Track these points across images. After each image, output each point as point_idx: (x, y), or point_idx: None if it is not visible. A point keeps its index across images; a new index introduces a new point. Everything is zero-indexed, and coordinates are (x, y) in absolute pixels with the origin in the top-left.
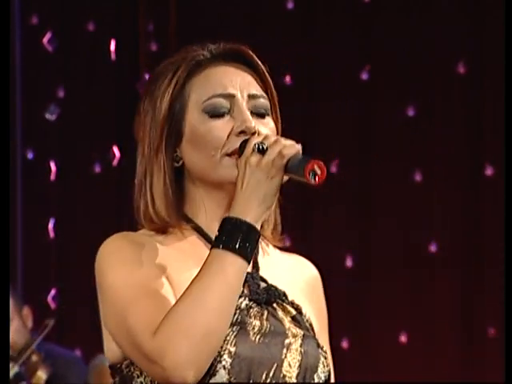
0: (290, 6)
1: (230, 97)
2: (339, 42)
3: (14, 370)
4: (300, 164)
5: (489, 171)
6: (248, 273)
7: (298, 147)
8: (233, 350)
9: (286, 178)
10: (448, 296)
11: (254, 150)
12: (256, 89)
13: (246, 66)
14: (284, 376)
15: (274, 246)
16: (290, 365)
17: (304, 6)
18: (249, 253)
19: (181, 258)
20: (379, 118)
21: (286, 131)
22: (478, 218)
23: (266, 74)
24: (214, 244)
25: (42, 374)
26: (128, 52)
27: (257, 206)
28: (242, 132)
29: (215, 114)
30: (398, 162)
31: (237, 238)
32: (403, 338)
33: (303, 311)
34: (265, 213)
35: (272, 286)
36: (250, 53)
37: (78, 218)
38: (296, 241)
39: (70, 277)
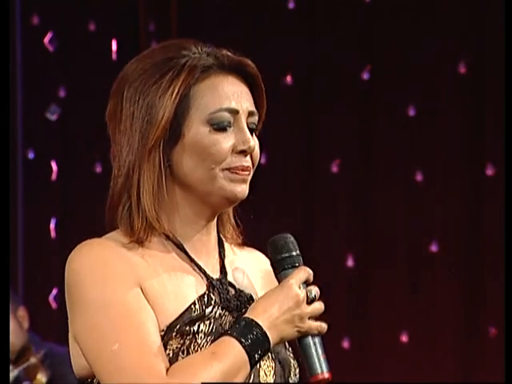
0: (291, 5)
1: (234, 112)
2: (340, 42)
3: (13, 373)
4: (318, 361)
5: (490, 171)
6: (217, 279)
7: (324, 329)
8: None
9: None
10: (449, 296)
11: (308, 292)
12: (253, 105)
13: (247, 80)
14: None
15: (234, 244)
16: (265, 373)
17: (305, 6)
18: (255, 357)
19: (151, 266)
20: (380, 118)
21: (287, 131)
22: (479, 218)
23: (264, 92)
24: (237, 335)
25: (42, 377)
26: (129, 52)
27: (276, 336)
28: (243, 151)
29: (220, 128)
30: (399, 161)
31: (258, 349)
32: (404, 338)
33: None
34: (276, 341)
35: (240, 290)
36: (256, 70)
37: (79, 217)
38: (297, 240)
39: None
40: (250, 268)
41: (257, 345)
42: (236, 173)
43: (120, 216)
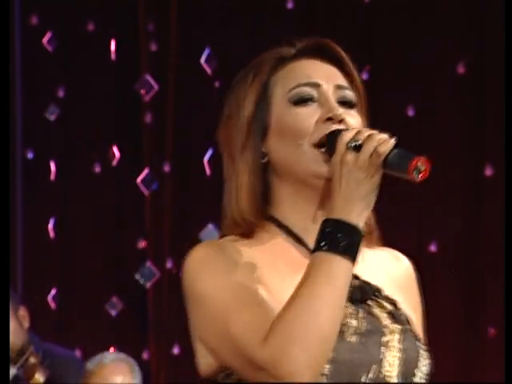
0: (290, 5)
1: (316, 85)
2: (339, 42)
3: (11, 372)
4: (402, 162)
5: (489, 171)
6: None
7: (393, 142)
8: (331, 355)
9: (384, 172)
10: (448, 296)
11: (348, 148)
12: (342, 81)
13: (331, 60)
14: (384, 376)
15: (366, 243)
16: (389, 364)
17: (304, 6)
18: (354, 254)
19: (270, 261)
20: (379, 118)
21: None
22: (479, 218)
23: (352, 67)
24: (316, 247)
25: (39, 377)
26: (128, 52)
27: (358, 206)
28: (329, 119)
29: (300, 101)
30: None
31: (341, 239)
32: None
33: (398, 305)
34: (366, 213)
35: (365, 282)
36: (336, 46)
37: (78, 217)
38: None
39: (70, 277)
40: (383, 264)
41: (335, 236)
42: (322, 152)
43: (228, 219)
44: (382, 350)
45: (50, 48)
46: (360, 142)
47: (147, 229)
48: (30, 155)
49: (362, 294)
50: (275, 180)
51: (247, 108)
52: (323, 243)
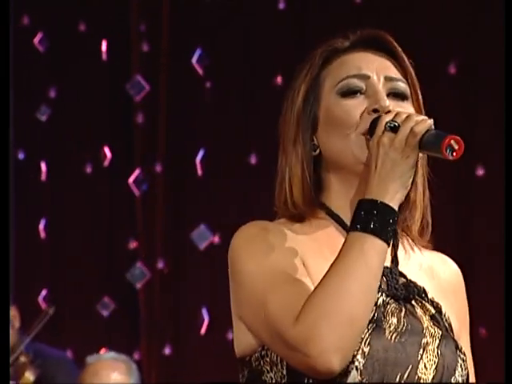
0: (282, 6)
1: (365, 77)
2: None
3: None
4: (436, 140)
5: (480, 171)
6: (386, 267)
7: (430, 122)
8: (367, 349)
9: (421, 154)
10: None
11: (385, 129)
12: (394, 72)
13: (384, 52)
14: (419, 378)
15: (417, 243)
16: (425, 366)
17: (295, 7)
18: (388, 234)
19: (316, 247)
20: None
21: (275, 131)
22: (469, 219)
23: (406, 59)
24: (351, 227)
25: (29, 375)
26: (120, 52)
27: (393, 186)
28: (375, 110)
29: (348, 93)
30: None
31: (375, 219)
32: None
33: (443, 310)
34: (402, 193)
35: (411, 281)
36: (389, 38)
37: (69, 218)
38: None
39: (61, 277)
40: (431, 267)
41: (370, 217)
42: (367, 138)
43: (280, 208)
44: (420, 352)
45: (41, 48)
46: (397, 123)
47: (138, 229)
48: (21, 155)
49: (407, 292)
50: (326, 171)
51: (298, 101)
52: (357, 223)
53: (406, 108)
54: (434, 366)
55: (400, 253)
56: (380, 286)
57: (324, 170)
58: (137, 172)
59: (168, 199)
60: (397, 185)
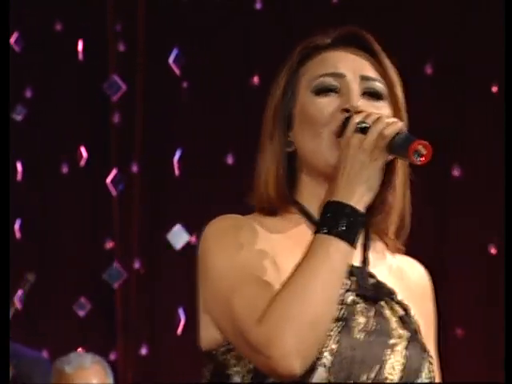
0: (259, 6)
1: (340, 76)
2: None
3: None
4: (403, 144)
5: (456, 172)
6: (357, 267)
7: (400, 125)
8: (335, 347)
9: (390, 157)
10: None
11: (355, 130)
12: (372, 72)
13: (364, 51)
14: (386, 378)
15: (388, 247)
16: (392, 367)
17: (273, 7)
18: (354, 237)
19: (289, 244)
20: None
21: (257, 132)
22: (445, 219)
23: (385, 59)
24: (317, 229)
25: None
26: (96, 52)
27: (360, 189)
28: (346, 110)
29: (322, 91)
30: None
31: (341, 222)
32: None
33: (411, 312)
34: (369, 196)
35: (381, 282)
36: (368, 36)
37: (44, 218)
38: None
39: (37, 278)
40: (400, 269)
41: (335, 219)
42: (338, 137)
43: (256, 201)
44: (388, 353)
45: (17, 48)
46: (367, 125)
47: (115, 229)
48: None
49: (377, 293)
50: (300, 167)
51: (276, 97)
52: (323, 225)
53: (382, 108)
54: (400, 367)
55: (371, 254)
56: (350, 286)
57: (299, 168)
58: (114, 172)
59: (145, 199)
60: (364, 187)
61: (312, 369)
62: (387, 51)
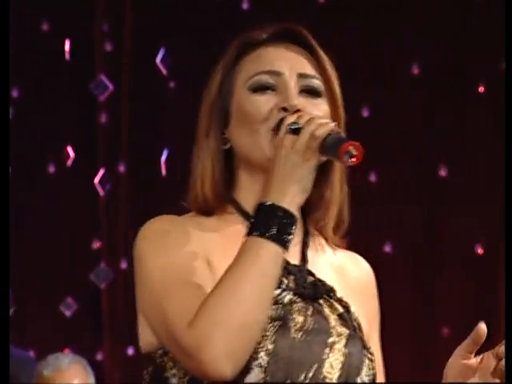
0: (246, 6)
1: (277, 74)
2: None
3: None
4: (335, 145)
5: (443, 172)
6: (295, 265)
7: (332, 126)
8: (271, 347)
9: (323, 158)
10: (401, 296)
11: (287, 131)
12: (309, 69)
13: (300, 47)
14: (324, 377)
15: (329, 242)
16: (331, 366)
17: (260, 7)
18: (286, 239)
19: (224, 244)
20: None
21: None
22: (432, 219)
23: (322, 55)
24: (248, 231)
25: None
26: (83, 52)
27: (292, 190)
28: (284, 109)
29: (259, 88)
30: None
31: (272, 224)
32: None
33: (351, 309)
34: (301, 197)
35: (320, 280)
36: (306, 33)
37: (32, 218)
38: None
39: (24, 277)
40: (342, 266)
41: (267, 221)
42: (273, 136)
43: (191, 198)
44: (326, 351)
45: None
46: (299, 126)
47: (102, 229)
48: None
49: (315, 291)
50: (237, 165)
51: (212, 94)
52: (254, 227)
53: (320, 105)
54: (339, 366)
55: (310, 251)
56: (288, 285)
57: (236, 165)
58: (101, 172)
59: (132, 199)
60: (296, 188)
61: (248, 369)
62: (324, 47)
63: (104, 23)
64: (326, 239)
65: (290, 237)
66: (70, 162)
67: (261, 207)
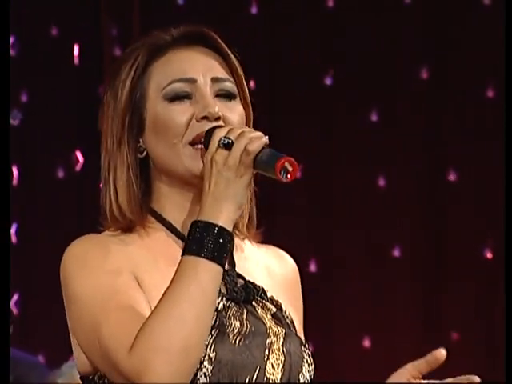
0: (254, 10)
1: (191, 81)
2: (302, 46)
3: None
4: (270, 161)
5: (452, 176)
6: (224, 270)
7: (264, 140)
8: (213, 355)
9: (255, 172)
10: (410, 301)
11: (219, 146)
12: (220, 72)
13: (209, 50)
14: (268, 379)
15: (250, 240)
16: (273, 366)
17: (267, 11)
18: (223, 258)
19: (150, 257)
20: (343, 123)
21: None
22: (442, 223)
23: (231, 56)
24: (185, 251)
25: None
26: (91, 56)
27: (227, 207)
28: (205, 118)
29: (175, 98)
30: (361, 166)
31: (209, 243)
32: (366, 343)
33: (283, 307)
34: (236, 213)
35: (250, 282)
36: (213, 35)
37: (40, 223)
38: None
39: (32, 282)
40: (267, 263)
41: (203, 239)
42: (200, 148)
43: (106, 214)
44: (266, 353)
45: (12, 52)
46: (231, 140)
47: None
48: None
49: (247, 294)
50: (154, 174)
51: (122, 99)
52: (191, 246)
53: (235, 107)
54: (281, 365)
55: (236, 253)
56: (220, 291)
57: (154, 174)
58: None
59: None
60: (231, 205)
61: (194, 379)
62: (229, 46)
63: (112, 27)
64: (247, 237)
65: (227, 254)
66: (78, 167)
67: (196, 225)
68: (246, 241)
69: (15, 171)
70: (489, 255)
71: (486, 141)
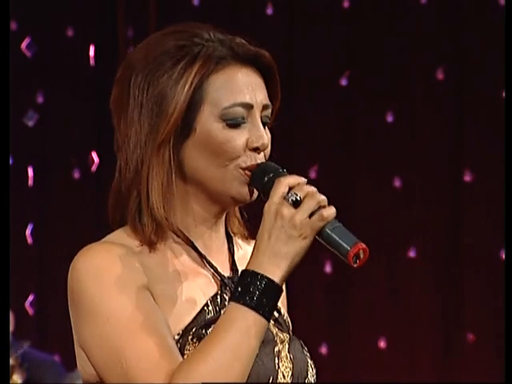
0: (270, 11)
1: (249, 107)
2: (319, 48)
3: None
4: (344, 241)
5: (468, 177)
6: (228, 277)
7: (334, 210)
8: None
9: (317, 238)
10: (427, 302)
11: (286, 199)
12: (267, 98)
13: (262, 72)
14: None
15: (243, 237)
16: (283, 375)
17: (283, 12)
18: (272, 315)
19: (161, 266)
20: (359, 124)
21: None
22: (457, 224)
23: (279, 84)
24: (236, 297)
25: (17, 379)
26: (107, 57)
27: (285, 264)
28: (256, 149)
29: (234, 124)
30: (378, 167)
31: (263, 298)
32: (382, 344)
33: (282, 311)
34: (290, 272)
35: None
36: (271, 60)
37: (56, 223)
38: None
39: (48, 282)
40: None
41: (261, 294)
42: (247, 174)
43: (130, 215)
44: (276, 361)
45: (28, 53)
46: (299, 198)
47: None
48: None
49: None
50: (182, 183)
51: (177, 105)
52: (244, 296)
53: (268, 134)
54: (290, 373)
55: (237, 257)
56: (228, 300)
57: (182, 181)
58: None
59: None
60: (288, 263)
61: None
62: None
63: (128, 28)
64: (242, 236)
65: (274, 311)
66: (94, 168)
67: (251, 276)
68: (239, 240)
69: (30, 172)
70: (504, 256)
71: (502, 141)
